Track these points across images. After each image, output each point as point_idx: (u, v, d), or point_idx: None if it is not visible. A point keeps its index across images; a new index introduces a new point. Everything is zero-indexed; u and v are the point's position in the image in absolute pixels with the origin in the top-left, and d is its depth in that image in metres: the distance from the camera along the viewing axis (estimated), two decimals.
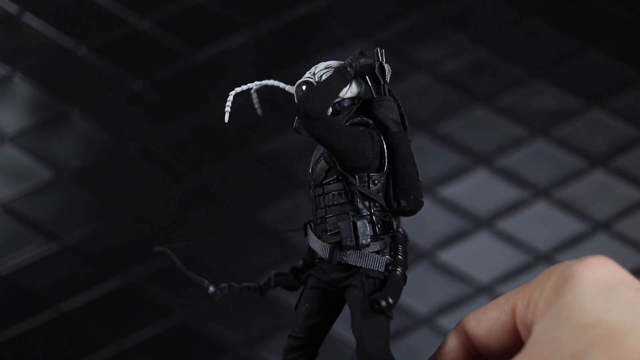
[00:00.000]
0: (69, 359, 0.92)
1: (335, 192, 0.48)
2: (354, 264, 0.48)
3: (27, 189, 0.95)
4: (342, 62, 0.49)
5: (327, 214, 0.48)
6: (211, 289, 0.51)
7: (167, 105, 0.98)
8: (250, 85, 0.50)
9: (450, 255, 0.96)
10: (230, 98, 0.50)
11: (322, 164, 0.48)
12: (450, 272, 0.96)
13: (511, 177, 0.99)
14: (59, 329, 0.91)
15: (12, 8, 0.99)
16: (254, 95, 0.52)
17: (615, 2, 1.03)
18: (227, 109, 0.50)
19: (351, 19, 1.02)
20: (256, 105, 0.52)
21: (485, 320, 0.44)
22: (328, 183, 0.48)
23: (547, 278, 0.40)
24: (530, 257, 0.96)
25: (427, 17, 1.02)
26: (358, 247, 0.47)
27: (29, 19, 0.99)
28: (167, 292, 0.93)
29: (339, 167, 0.47)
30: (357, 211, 0.48)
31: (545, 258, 0.96)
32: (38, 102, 0.98)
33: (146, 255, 0.94)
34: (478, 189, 0.98)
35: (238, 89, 0.50)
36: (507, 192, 0.98)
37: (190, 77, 0.99)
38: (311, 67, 0.50)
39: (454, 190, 0.98)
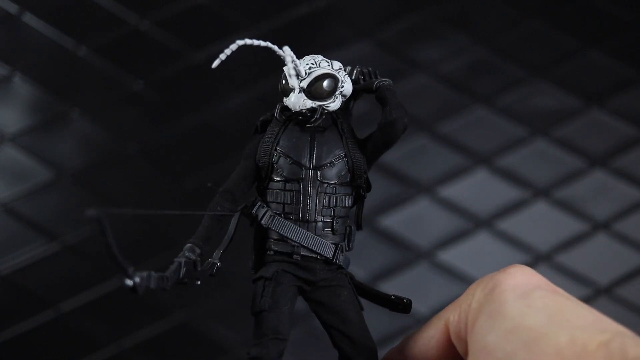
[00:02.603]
0: (69, 359, 0.92)
1: (347, 195, 0.49)
2: (343, 265, 0.49)
3: (27, 189, 0.95)
4: (386, 81, 0.50)
5: (334, 214, 0.49)
6: (136, 279, 0.43)
7: (167, 105, 0.98)
8: (261, 42, 0.47)
9: (450, 255, 0.96)
10: (234, 47, 0.47)
11: (342, 164, 0.49)
12: (450, 272, 0.96)
13: (511, 177, 0.99)
14: (59, 329, 0.91)
15: (12, 8, 0.99)
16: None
17: (615, 2, 1.03)
18: (223, 56, 0.46)
19: (351, 19, 1.02)
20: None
21: (420, 341, 0.47)
22: (341, 184, 0.49)
23: (474, 291, 0.43)
24: (530, 257, 0.96)
25: (427, 17, 1.02)
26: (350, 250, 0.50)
27: (29, 19, 0.99)
28: (167, 292, 0.93)
29: (367, 175, 0.49)
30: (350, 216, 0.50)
31: (545, 258, 0.96)
32: (38, 102, 0.98)
33: (146, 255, 0.94)
34: (478, 189, 0.98)
35: (248, 41, 0.47)
36: (507, 192, 0.98)
37: (190, 77, 0.99)
38: (312, 58, 0.49)
39: (454, 190, 0.98)
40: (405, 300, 0.50)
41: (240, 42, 0.46)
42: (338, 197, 0.49)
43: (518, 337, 0.39)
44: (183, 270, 0.47)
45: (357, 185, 0.49)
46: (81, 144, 0.98)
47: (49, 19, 0.99)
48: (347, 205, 0.49)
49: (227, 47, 0.46)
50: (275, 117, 0.49)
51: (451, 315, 0.45)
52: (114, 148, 0.97)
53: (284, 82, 0.49)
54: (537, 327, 0.39)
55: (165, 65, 0.99)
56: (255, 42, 0.47)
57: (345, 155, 0.49)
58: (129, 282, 0.43)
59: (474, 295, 0.43)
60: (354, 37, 1.00)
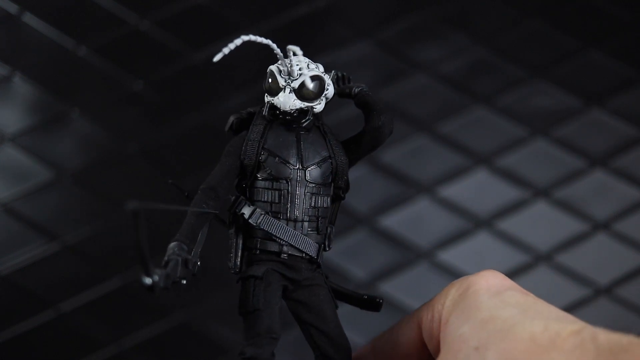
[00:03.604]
0: (69, 359, 0.92)
1: (328, 196, 0.50)
2: (320, 264, 0.50)
3: (27, 189, 0.95)
4: (364, 87, 0.51)
5: (318, 214, 0.49)
6: (155, 278, 0.42)
7: (167, 105, 0.98)
8: (263, 40, 0.47)
9: (450, 255, 0.96)
10: (238, 42, 0.46)
11: (327, 166, 0.49)
12: (450, 272, 0.96)
13: (511, 177, 0.99)
14: (59, 329, 0.91)
15: (12, 8, 0.99)
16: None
17: (615, 2, 1.03)
18: (226, 50, 0.46)
19: (351, 19, 1.02)
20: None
21: (392, 339, 0.48)
22: (324, 185, 0.49)
23: (448, 292, 0.45)
24: (530, 257, 0.96)
25: (427, 17, 1.02)
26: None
27: (29, 19, 0.99)
28: (167, 292, 0.93)
29: (347, 176, 0.50)
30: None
31: (545, 258, 0.96)
32: (38, 102, 0.98)
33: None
34: (478, 189, 0.98)
35: (252, 37, 0.46)
36: (507, 192, 0.98)
37: (190, 77, 0.99)
38: (297, 60, 0.49)
39: (454, 190, 0.98)
40: (378, 299, 0.51)
41: (245, 38, 0.46)
42: (322, 198, 0.49)
43: (493, 326, 0.40)
44: (179, 268, 0.46)
45: (337, 187, 0.50)
46: (81, 144, 0.98)
47: (49, 19, 0.99)
48: (328, 205, 0.49)
49: (231, 42, 0.46)
50: (264, 115, 0.49)
51: (424, 315, 0.46)
52: (114, 148, 0.97)
53: (270, 80, 0.49)
54: (511, 317, 0.40)
55: (165, 65, 0.99)
56: (259, 39, 0.47)
57: (330, 157, 0.49)
58: (148, 281, 0.42)
59: (448, 295, 0.45)
60: (354, 37, 1.00)
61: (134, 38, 0.99)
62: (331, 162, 0.49)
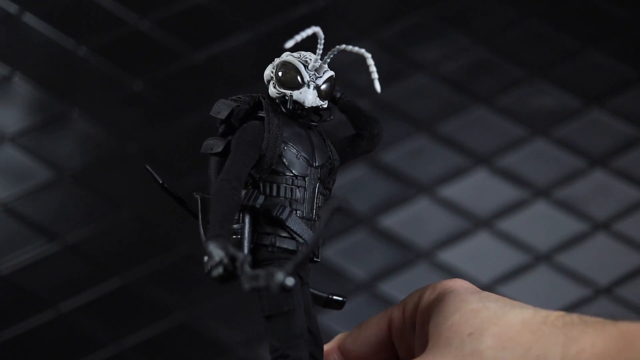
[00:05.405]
0: (69, 359, 0.92)
1: (323, 196, 0.49)
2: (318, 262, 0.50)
3: (27, 189, 0.95)
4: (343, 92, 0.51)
5: (318, 212, 0.48)
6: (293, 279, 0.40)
7: (167, 105, 0.98)
8: (322, 34, 0.47)
9: (450, 255, 0.96)
10: (309, 32, 0.46)
11: (329, 166, 0.49)
12: (450, 272, 0.96)
13: (511, 177, 0.99)
14: (59, 329, 0.92)
15: (12, 8, 0.99)
16: (370, 63, 0.47)
17: (615, 2, 1.03)
18: (298, 37, 0.45)
19: (351, 19, 1.02)
20: (374, 76, 0.47)
21: (362, 337, 0.48)
22: (324, 184, 0.49)
23: (422, 294, 0.46)
24: (530, 257, 0.96)
25: (427, 17, 1.02)
26: None
27: (29, 19, 0.99)
28: (167, 292, 0.93)
29: (335, 176, 0.50)
30: None
31: (545, 258, 0.96)
32: (38, 102, 0.98)
33: (146, 255, 0.94)
34: (478, 189, 0.98)
35: (320, 31, 0.46)
36: (507, 192, 0.98)
37: (190, 77, 0.99)
38: (310, 56, 0.49)
39: (454, 190, 0.98)
40: (342, 298, 0.50)
41: (315, 29, 0.46)
42: (324, 197, 0.49)
43: (486, 313, 0.42)
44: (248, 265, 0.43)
45: (326, 187, 0.49)
46: (81, 144, 0.98)
47: (49, 19, 0.99)
48: (321, 205, 0.48)
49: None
50: (288, 108, 0.48)
51: (395, 315, 0.47)
52: (114, 148, 0.97)
53: (286, 72, 0.48)
54: (500, 307, 0.43)
55: (165, 65, 0.99)
56: (321, 33, 0.47)
57: (329, 157, 0.49)
58: (291, 282, 0.40)
59: (422, 297, 0.46)
60: (354, 37, 1.00)
61: (134, 38, 0.99)
62: (330, 162, 0.49)
